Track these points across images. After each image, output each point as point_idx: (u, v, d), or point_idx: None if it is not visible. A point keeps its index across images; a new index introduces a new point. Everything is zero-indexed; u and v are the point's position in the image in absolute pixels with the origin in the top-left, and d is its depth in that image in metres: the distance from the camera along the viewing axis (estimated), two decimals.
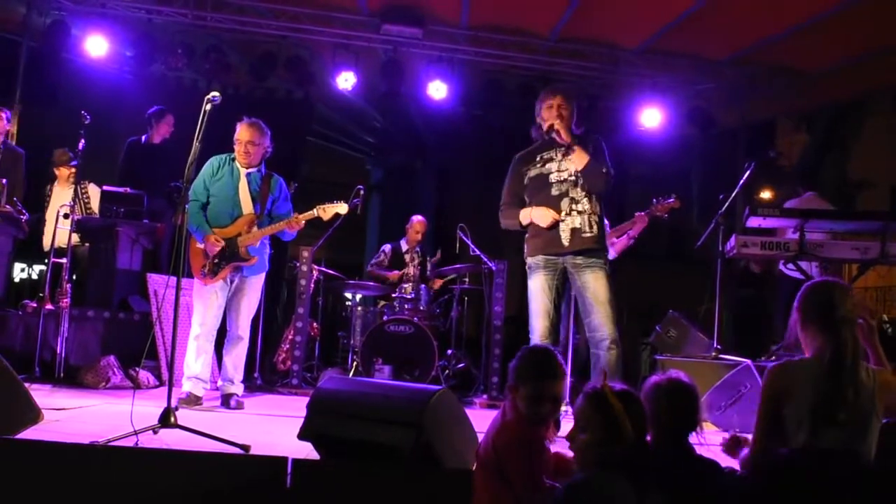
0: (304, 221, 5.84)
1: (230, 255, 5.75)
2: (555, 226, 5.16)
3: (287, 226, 5.79)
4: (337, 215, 5.99)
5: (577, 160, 5.18)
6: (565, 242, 5.14)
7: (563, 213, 5.17)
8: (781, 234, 6.30)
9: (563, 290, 5.28)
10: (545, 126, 5.26)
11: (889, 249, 5.66)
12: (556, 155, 5.29)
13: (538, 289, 5.22)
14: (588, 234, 5.16)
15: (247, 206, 5.86)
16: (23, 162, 7.21)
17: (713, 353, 6.73)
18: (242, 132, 5.82)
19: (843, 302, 2.98)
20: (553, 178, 5.26)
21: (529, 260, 5.33)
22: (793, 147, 10.82)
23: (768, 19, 7.73)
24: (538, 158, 5.35)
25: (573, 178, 5.21)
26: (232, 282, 5.85)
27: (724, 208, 6.75)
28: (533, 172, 5.34)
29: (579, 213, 5.18)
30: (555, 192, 5.24)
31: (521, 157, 5.47)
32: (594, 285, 5.11)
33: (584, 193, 5.21)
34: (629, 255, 7.67)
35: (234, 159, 5.89)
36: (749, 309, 8.57)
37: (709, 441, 3.10)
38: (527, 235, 5.36)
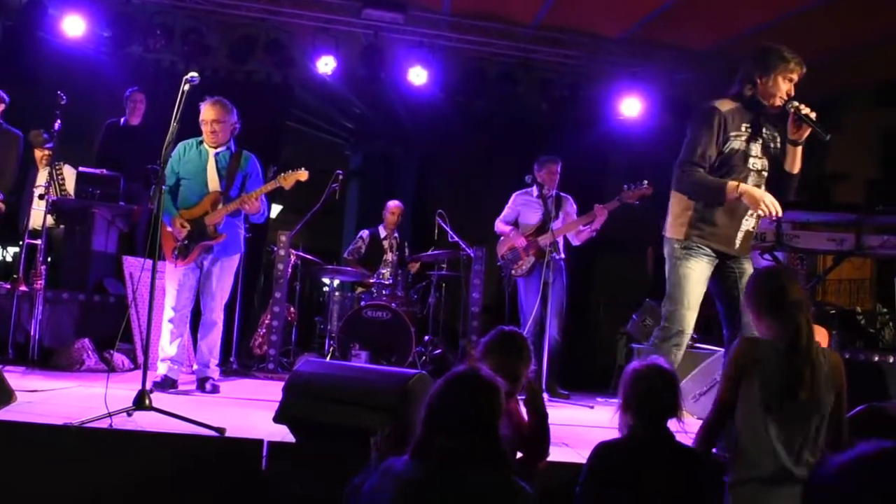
0: (261, 196, 5.77)
1: (198, 235, 5.73)
2: (737, 223, 4.39)
3: (240, 204, 5.72)
4: (298, 182, 5.81)
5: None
6: (736, 244, 4.42)
7: (748, 213, 4.40)
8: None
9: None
10: (778, 97, 4.31)
11: (864, 241, 5.70)
12: (756, 135, 4.39)
13: (699, 277, 4.37)
14: (754, 242, 4.57)
15: (214, 184, 5.82)
16: (19, 144, 7.14)
17: (689, 342, 6.77)
18: (207, 112, 5.77)
19: (793, 286, 3.06)
20: (752, 164, 4.37)
21: (690, 242, 4.40)
22: None
23: (750, 11, 7.75)
24: (743, 129, 4.37)
25: (766, 171, 4.42)
26: (203, 265, 5.82)
27: None
28: (735, 144, 4.35)
29: (757, 217, 4.42)
30: (752, 181, 4.35)
31: (730, 115, 4.35)
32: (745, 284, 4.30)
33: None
34: (605, 245, 7.70)
35: (201, 142, 5.85)
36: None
37: (689, 429, 3.13)
38: (692, 215, 4.42)
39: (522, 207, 7.50)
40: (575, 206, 7.57)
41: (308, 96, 10.59)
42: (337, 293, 8.36)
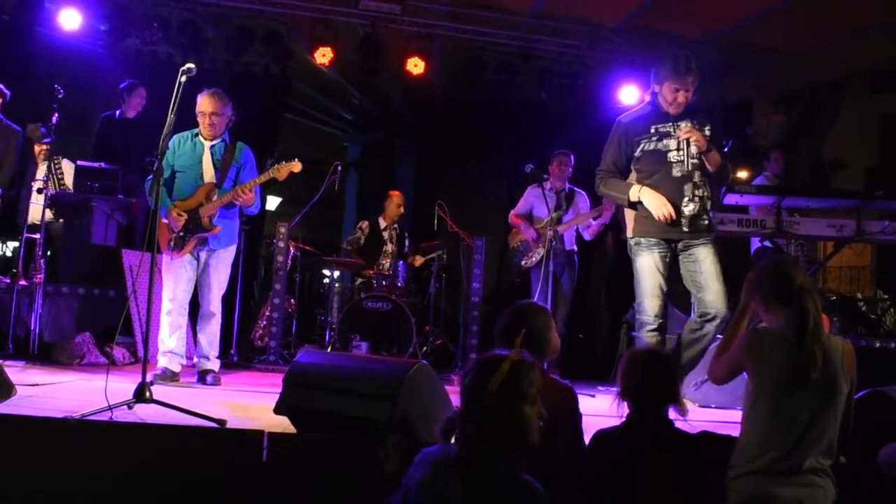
0: (253, 188, 5.73)
1: (193, 226, 5.71)
2: (676, 209, 4.73)
3: (234, 196, 5.69)
4: (294, 173, 5.81)
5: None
6: (685, 228, 4.80)
7: (685, 199, 4.79)
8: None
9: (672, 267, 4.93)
10: (672, 104, 4.81)
11: (865, 227, 5.69)
12: (675, 130, 4.83)
13: (650, 267, 4.86)
14: (706, 222, 4.86)
15: (209, 176, 5.82)
16: (18, 139, 7.09)
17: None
18: (204, 104, 5.74)
19: (797, 273, 3.04)
20: (673, 156, 4.82)
21: (640, 238, 4.91)
22: (769, 127, 10.85)
23: (748, 0, 7.74)
24: (652, 130, 4.88)
25: (696, 159, 4.80)
26: (200, 256, 5.82)
27: None
28: (648, 146, 4.88)
29: (700, 198, 4.81)
30: (676, 173, 4.81)
31: (631, 124, 4.95)
32: (707, 261, 4.81)
33: (705, 178, 4.84)
34: (607, 232, 7.72)
35: (196, 134, 5.84)
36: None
37: (690, 416, 3.13)
38: (636, 214, 4.92)
39: (535, 200, 7.59)
40: (588, 202, 7.62)
41: (306, 88, 10.58)
42: (337, 284, 8.36)
